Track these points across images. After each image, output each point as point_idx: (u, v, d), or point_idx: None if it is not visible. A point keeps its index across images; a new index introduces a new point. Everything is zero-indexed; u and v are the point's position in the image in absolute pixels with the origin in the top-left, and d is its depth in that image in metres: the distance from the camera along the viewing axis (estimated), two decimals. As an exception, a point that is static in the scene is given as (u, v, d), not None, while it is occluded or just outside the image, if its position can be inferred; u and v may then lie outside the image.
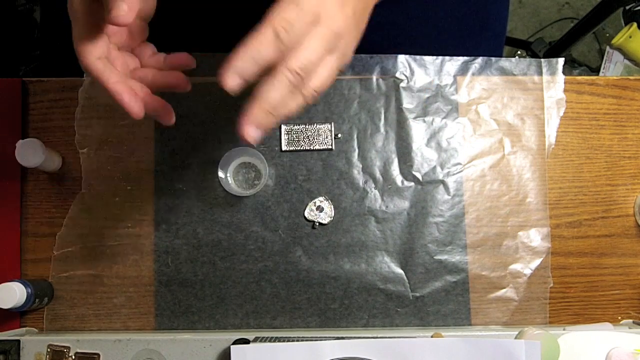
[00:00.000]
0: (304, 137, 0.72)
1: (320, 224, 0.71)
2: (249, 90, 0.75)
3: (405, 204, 0.72)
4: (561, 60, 0.74)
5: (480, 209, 0.72)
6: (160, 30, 0.79)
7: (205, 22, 0.77)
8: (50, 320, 0.70)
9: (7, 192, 0.72)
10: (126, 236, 0.71)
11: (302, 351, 0.59)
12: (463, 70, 0.74)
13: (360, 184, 0.72)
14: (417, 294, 0.71)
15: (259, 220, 0.71)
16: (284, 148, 0.72)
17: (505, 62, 0.74)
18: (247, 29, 0.79)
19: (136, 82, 0.54)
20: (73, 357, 0.63)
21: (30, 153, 0.66)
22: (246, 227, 0.71)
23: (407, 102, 0.73)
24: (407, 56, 0.73)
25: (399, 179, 0.72)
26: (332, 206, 0.72)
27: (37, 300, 0.66)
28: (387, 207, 0.72)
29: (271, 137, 0.72)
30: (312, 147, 0.72)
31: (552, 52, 1.49)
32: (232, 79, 0.45)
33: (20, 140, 0.66)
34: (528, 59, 0.74)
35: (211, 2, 0.75)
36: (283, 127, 0.72)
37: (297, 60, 0.44)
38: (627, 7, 1.51)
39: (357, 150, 0.72)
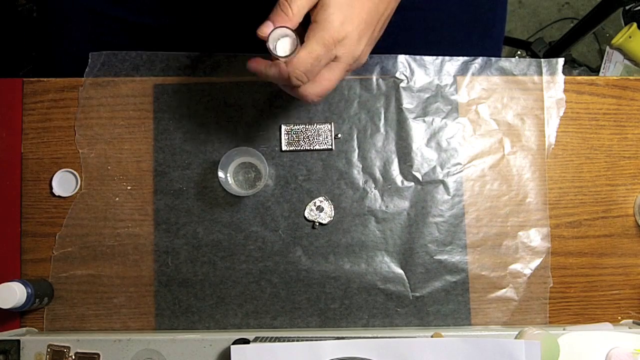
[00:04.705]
0: (304, 137, 0.72)
1: (320, 224, 0.71)
2: (249, 94, 0.75)
3: (405, 204, 0.72)
4: (561, 61, 0.74)
5: (480, 209, 0.72)
6: (161, 31, 0.79)
7: (206, 22, 0.77)
8: (50, 320, 0.70)
9: (7, 192, 0.72)
10: (126, 236, 0.71)
11: (302, 351, 0.59)
12: (463, 70, 0.74)
13: (360, 184, 0.72)
14: (417, 294, 0.71)
15: (259, 220, 0.71)
16: (284, 148, 0.72)
17: (505, 62, 0.74)
18: (245, 31, 0.79)
19: None
20: (73, 357, 0.63)
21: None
22: (246, 227, 0.71)
23: (407, 102, 0.73)
24: (407, 56, 0.73)
25: (399, 179, 0.72)
26: (332, 206, 0.72)
27: (37, 300, 0.66)
28: (387, 207, 0.72)
29: (271, 137, 0.72)
30: (312, 147, 0.72)
31: (552, 52, 1.49)
32: (252, 71, 0.55)
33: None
34: (528, 59, 0.74)
35: (211, 4, 0.75)
36: (283, 127, 0.72)
37: (314, 89, 0.54)
38: (627, 7, 1.51)
39: (357, 150, 0.72)
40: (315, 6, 0.52)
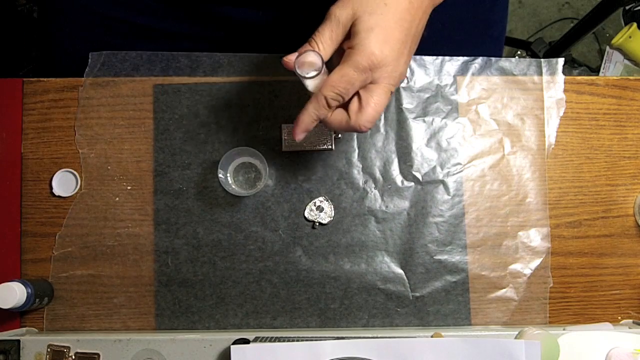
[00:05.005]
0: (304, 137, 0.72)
1: (320, 224, 0.71)
2: (249, 94, 0.75)
3: (405, 204, 0.72)
4: (561, 60, 0.74)
5: (480, 209, 0.72)
6: (161, 31, 0.79)
7: (206, 22, 0.77)
8: (50, 320, 0.70)
9: (7, 192, 0.72)
10: (126, 236, 0.71)
11: (302, 351, 0.59)
12: (463, 70, 0.74)
13: (360, 184, 0.72)
14: (417, 294, 0.71)
15: (259, 220, 0.71)
16: (284, 148, 0.72)
17: (505, 62, 0.74)
18: (245, 30, 0.79)
19: None
20: (73, 357, 0.63)
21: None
22: (246, 227, 0.71)
23: (407, 102, 0.73)
24: (407, 56, 0.73)
25: (399, 179, 0.72)
26: (332, 206, 0.71)
27: (37, 300, 0.66)
28: (387, 207, 0.72)
29: (271, 137, 0.72)
30: (312, 147, 0.72)
31: (552, 52, 1.49)
32: (301, 136, 0.57)
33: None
34: (528, 59, 0.74)
35: (211, 4, 0.75)
36: (283, 127, 0.72)
37: (364, 117, 0.54)
38: (627, 7, 1.51)
39: (357, 150, 0.72)
40: (348, 37, 0.53)
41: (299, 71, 0.53)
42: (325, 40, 0.53)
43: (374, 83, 0.53)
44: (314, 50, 0.52)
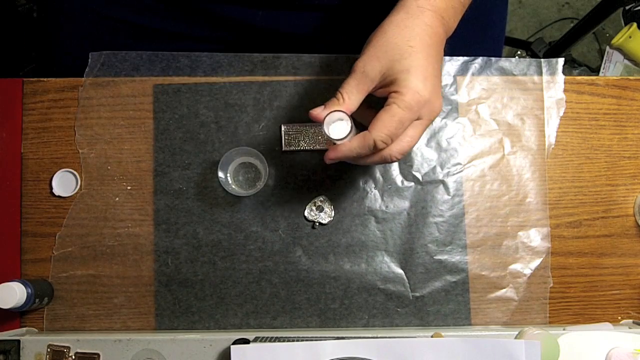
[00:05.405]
0: (304, 137, 0.72)
1: (320, 224, 0.71)
2: (249, 94, 0.75)
3: (405, 204, 0.72)
4: (561, 60, 0.74)
5: (480, 209, 0.72)
6: (161, 31, 0.79)
7: (206, 22, 0.77)
8: (50, 320, 0.70)
9: (7, 192, 0.72)
10: (126, 236, 0.71)
11: (302, 351, 0.59)
12: (463, 70, 0.74)
13: (360, 184, 0.72)
14: (417, 294, 0.71)
15: (259, 220, 0.71)
16: (284, 148, 0.72)
17: (505, 62, 0.74)
18: (244, 30, 0.79)
19: None
20: (73, 357, 0.63)
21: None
22: (246, 227, 0.71)
23: (407, 102, 0.73)
24: (407, 56, 0.73)
25: (399, 179, 0.72)
26: (332, 206, 0.71)
27: (37, 300, 0.66)
28: (387, 207, 0.72)
29: (271, 137, 0.72)
30: (312, 147, 0.72)
31: (552, 52, 1.49)
32: (332, 162, 0.57)
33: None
34: (528, 59, 0.74)
35: (211, 4, 0.75)
36: (283, 128, 0.72)
37: (397, 147, 0.55)
38: (627, 7, 1.51)
39: (357, 150, 0.72)
40: (387, 85, 0.54)
41: (329, 135, 0.54)
42: (352, 91, 0.54)
43: (417, 119, 0.55)
44: (340, 111, 0.53)
